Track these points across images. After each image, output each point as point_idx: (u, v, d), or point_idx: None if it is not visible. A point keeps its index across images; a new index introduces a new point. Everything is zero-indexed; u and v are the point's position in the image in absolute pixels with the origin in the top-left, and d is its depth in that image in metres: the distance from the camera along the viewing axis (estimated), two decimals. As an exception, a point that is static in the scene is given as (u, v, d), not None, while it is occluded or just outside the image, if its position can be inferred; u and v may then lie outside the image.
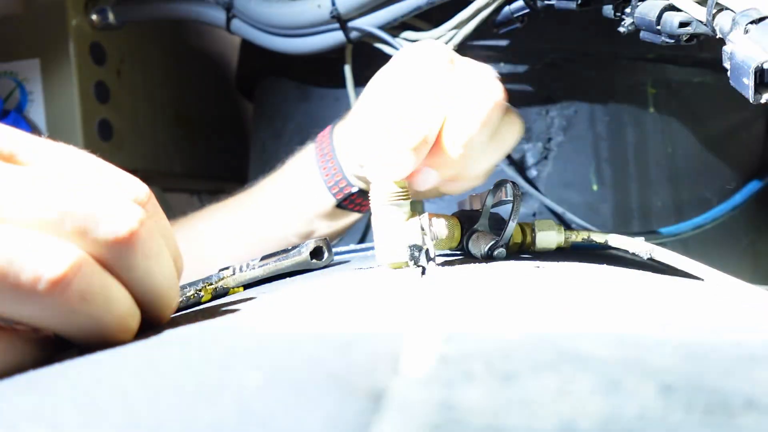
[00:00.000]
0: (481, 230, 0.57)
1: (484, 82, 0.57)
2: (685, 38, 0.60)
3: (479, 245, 0.56)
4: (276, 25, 0.84)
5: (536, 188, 0.81)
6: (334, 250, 0.64)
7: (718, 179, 0.88)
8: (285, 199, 0.77)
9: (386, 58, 0.68)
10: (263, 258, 0.60)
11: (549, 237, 0.61)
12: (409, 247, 0.51)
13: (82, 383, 0.31)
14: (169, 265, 0.39)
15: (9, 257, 0.31)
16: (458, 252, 0.59)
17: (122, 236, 0.34)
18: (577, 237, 0.63)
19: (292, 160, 0.78)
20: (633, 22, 0.66)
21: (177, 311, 0.54)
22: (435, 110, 0.55)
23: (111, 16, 0.98)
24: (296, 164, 0.77)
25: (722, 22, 0.54)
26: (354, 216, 0.77)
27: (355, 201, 0.74)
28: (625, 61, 0.83)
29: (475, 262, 0.54)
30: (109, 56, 1.01)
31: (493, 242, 0.55)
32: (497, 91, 0.57)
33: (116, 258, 0.35)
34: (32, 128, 0.94)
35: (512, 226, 0.56)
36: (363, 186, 0.72)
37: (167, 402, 0.27)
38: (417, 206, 0.56)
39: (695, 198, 0.87)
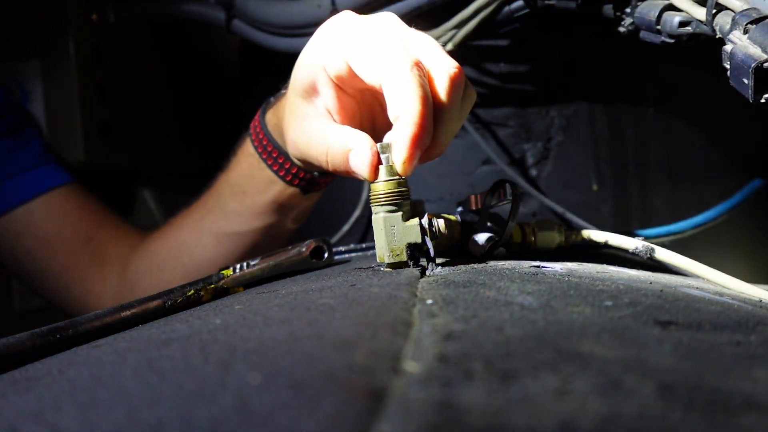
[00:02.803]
0: (480, 230, 0.57)
1: (443, 55, 0.53)
2: (685, 38, 0.60)
3: (479, 245, 0.56)
4: (276, 25, 0.84)
5: (536, 188, 0.81)
6: (334, 249, 0.64)
7: (718, 179, 0.88)
8: (245, 199, 0.75)
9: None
10: (263, 258, 0.60)
11: (549, 236, 0.61)
12: (409, 247, 0.51)
13: (82, 383, 0.31)
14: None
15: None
16: (458, 252, 0.59)
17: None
18: (577, 237, 0.63)
19: (236, 161, 0.75)
20: (633, 21, 0.66)
21: (177, 311, 0.54)
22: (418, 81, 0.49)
23: (111, 16, 0.98)
24: (242, 166, 0.74)
25: (722, 22, 0.54)
26: (317, 193, 0.75)
27: (317, 181, 0.71)
28: (625, 61, 0.83)
29: (475, 262, 0.54)
30: (109, 56, 1.01)
31: (492, 242, 0.55)
32: (455, 63, 0.53)
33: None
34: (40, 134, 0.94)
35: (512, 226, 0.56)
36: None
37: (167, 402, 0.27)
38: (417, 206, 0.56)
39: (695, 198, 0.86)
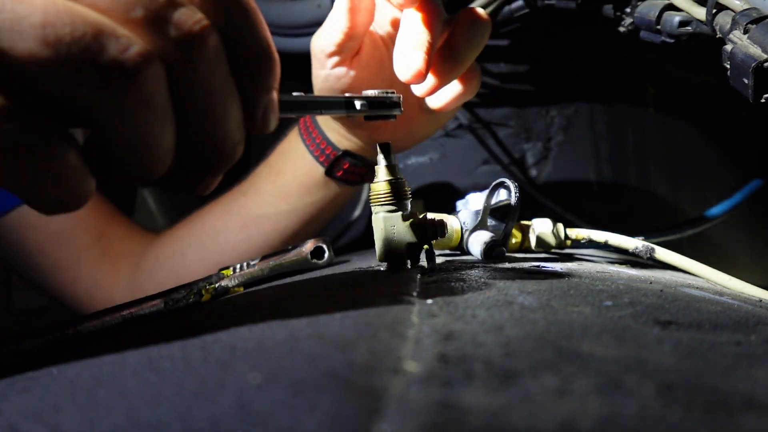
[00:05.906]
0: (480, 230, 0.57)
1: None
2: (685, 38, 0.60)
3: (479, 245, 0.56)
4: (276, 24, 0.84)
5: (536, 188, 0.81)
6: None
7: (718, 179, 0.88)
8: (278, 178, 0.80)
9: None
10: (263, 258, 0.60)
11: (548, 237, 0.61)
12: (409, 246, 0.51)
13: (82, 383, 0.31)
14: (234, 108, 0.35)
15: (93, 33, 0.29)
16: (458, 252, 0.59)
17: (193, 30, 0.32)
18: (577, 236, 0.63)
19: (280, 143, 0.81)
20: (633, 21, 0.66)
21: (177, 311, 0.54)
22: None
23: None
24: (283, 145, 0.80)
25: (722, 21, 0.54)
26: (348, 189, 0.79)
27: (345, 168, 0.75)
28: (625, 61, 0.83)
29: (475, 262, 0.54)
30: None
31: (492, 242, 0.55)
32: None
33: (183, 61, 0.32)
34: None
35: (511, 226, 0.56)
36: (348, 147, 0.74)
37: (167, 402, 0.27)
38: (417, 206, 0.56)
39: (695, 198, 0.87)
